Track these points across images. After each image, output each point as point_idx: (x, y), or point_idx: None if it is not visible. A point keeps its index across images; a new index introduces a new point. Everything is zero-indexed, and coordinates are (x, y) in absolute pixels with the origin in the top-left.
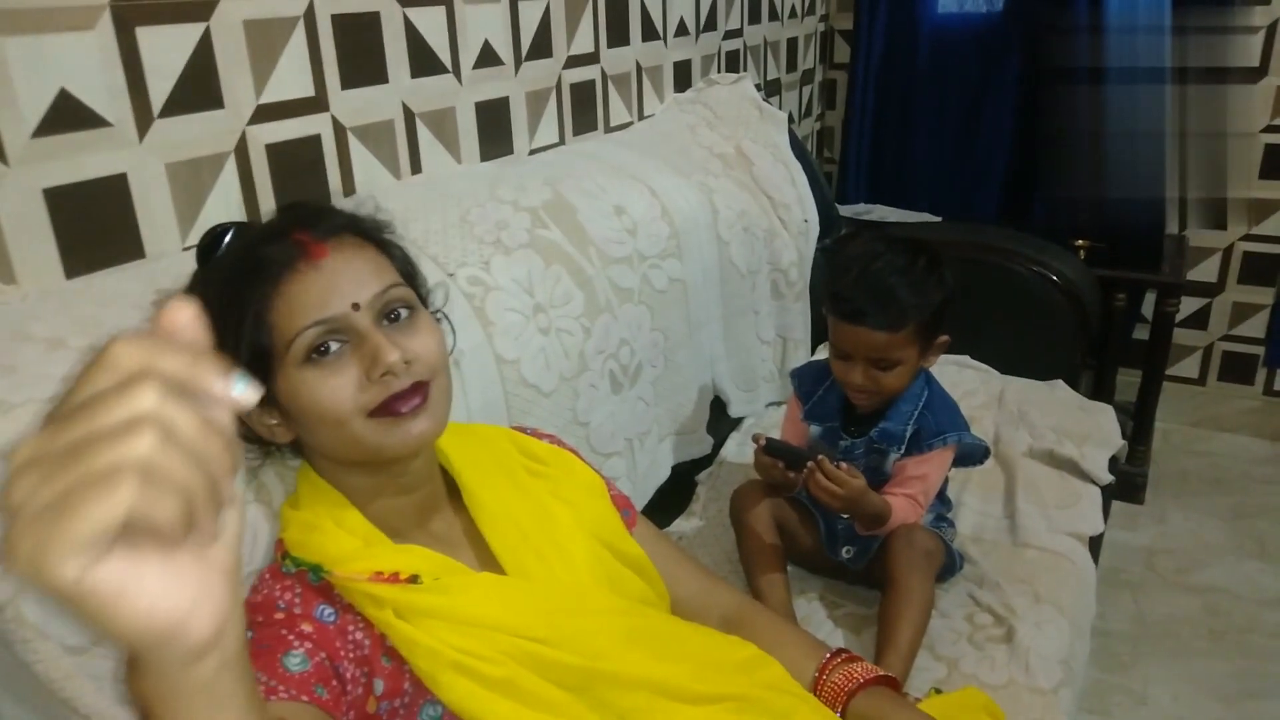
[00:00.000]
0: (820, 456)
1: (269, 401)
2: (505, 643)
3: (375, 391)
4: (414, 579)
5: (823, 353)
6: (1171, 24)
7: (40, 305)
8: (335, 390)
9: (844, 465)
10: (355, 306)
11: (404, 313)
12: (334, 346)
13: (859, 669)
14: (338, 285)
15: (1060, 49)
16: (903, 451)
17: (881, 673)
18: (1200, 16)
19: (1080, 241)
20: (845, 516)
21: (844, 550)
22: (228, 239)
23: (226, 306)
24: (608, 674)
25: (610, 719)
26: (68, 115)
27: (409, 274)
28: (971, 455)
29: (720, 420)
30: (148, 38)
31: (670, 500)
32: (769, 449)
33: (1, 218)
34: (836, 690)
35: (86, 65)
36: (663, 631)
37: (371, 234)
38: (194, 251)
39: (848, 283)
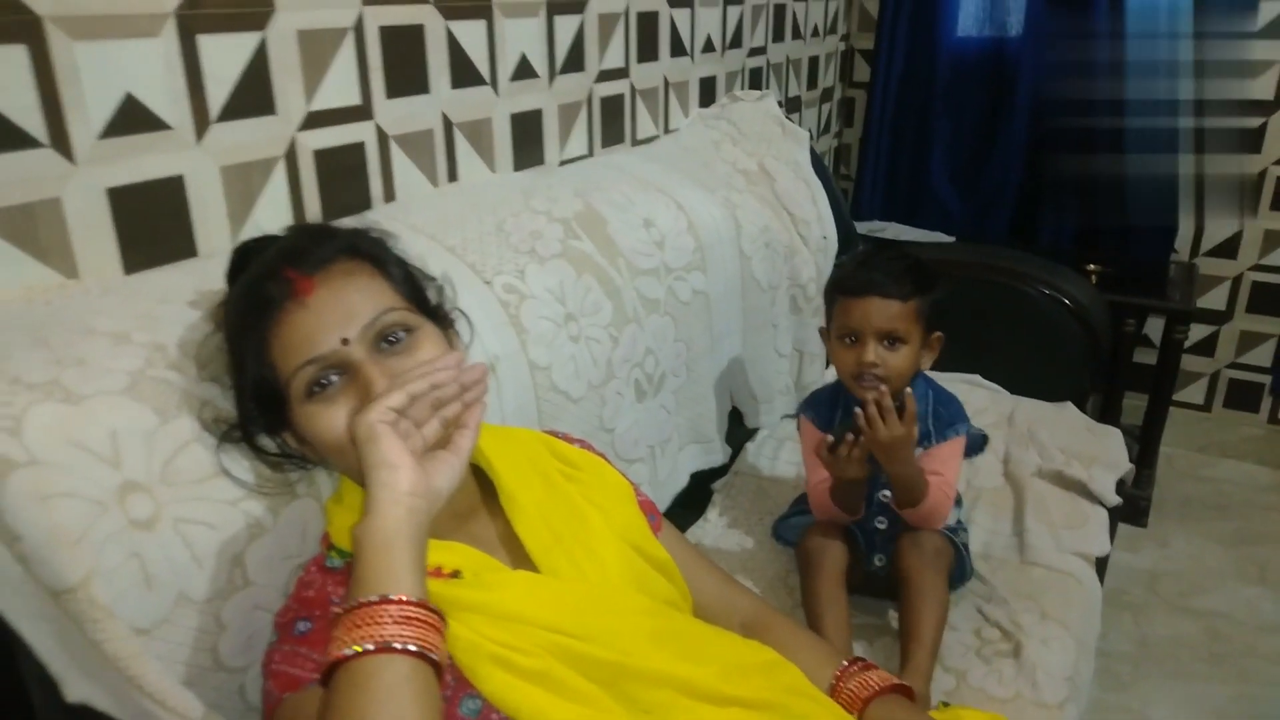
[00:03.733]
0: (871, 400)
1: (291, 428)
2: (540, 637)
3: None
4: (456, 574)
5: (830, 377)
6: (1190, 59)
7: (102, 300)
8: (333, 424)
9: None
10: (344, 341)
11: (402, 335)
12: (333, 380)
13: (875, 677)
14: (326, 321)
15: (1077, 77)
16: (926, 446)
17: (897, 681)
18: (1217, 50)
19: (1091, 266)
20: (882, 523)
21: (877, 559)
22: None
23: (236, 341)
24: (635, 670)
25: (636, 713)
26: (132, 118)
27: (413, 289)
28: (975, 445)
29: (736, 430)
30: (208, 45)
31: (687, 507)
32: (833, 446)
33: (68, 215)
34: (853, 697)
35: (151, 71)
36: (687, 633)
37: (368, 253)
38: None
39: (856, 266)
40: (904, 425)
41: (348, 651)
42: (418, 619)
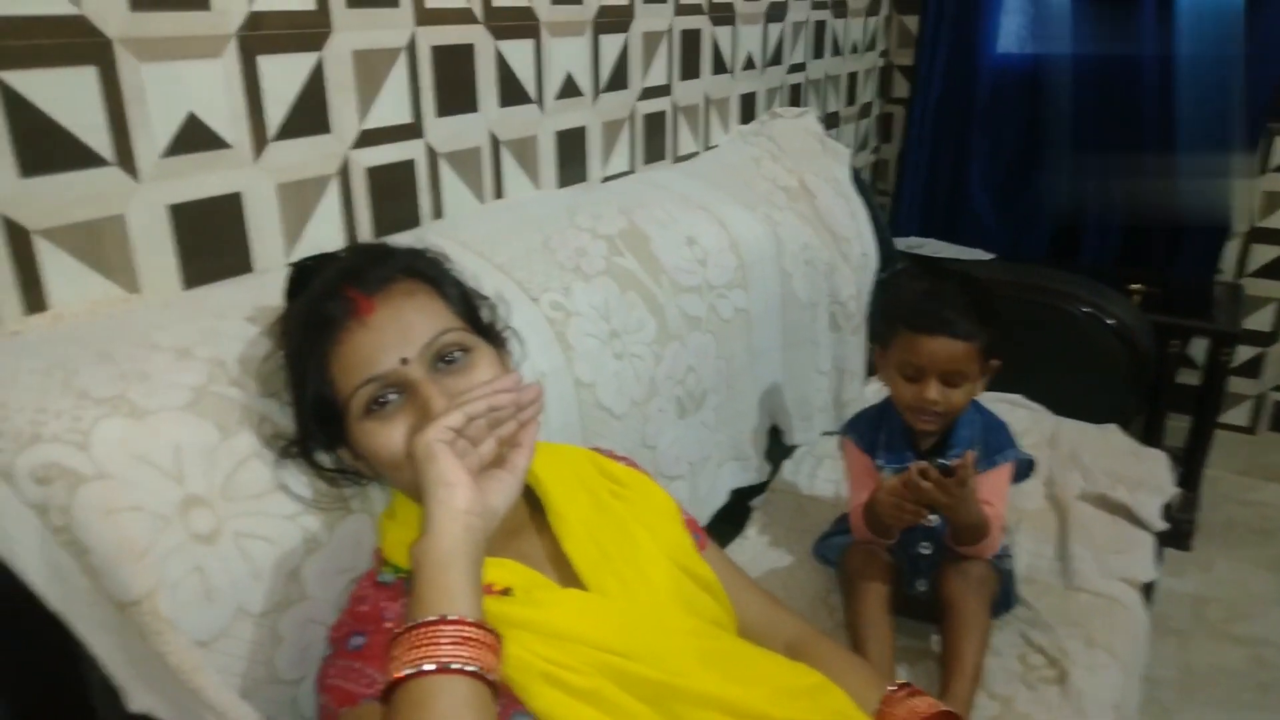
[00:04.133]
0: (923, 466)
1: (348, 444)
2: (590, 655)
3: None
4: (507, 591)
5: (870, 394)
6: (1242, 83)
7: (163, 315)
8: (391, 440)
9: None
10: (404, 361)
11: (459, 355)
12: (391, 398)
13: (923, 703)
14: (386, 341)
15: (1121, 93)
16: (977, 473)
17: (945, 708)
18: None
19: (1134, 286)
20: (926, 549)
21: (919, 584)
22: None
23: (296, 358)
24: (684, 690)
25: None
26: (194, 137)
27: (468, 307)
28: (1022, 471)
29: (774, 448)
30: (268, 65)
31: (726, 524)
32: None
33: (131, 231)
34: None
35: (213, 90)
36: (735, 654)
37: (427, 274)
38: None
39: (925, 298)
40: (963, 485)
41: (407, 671)
42: (476, 639)
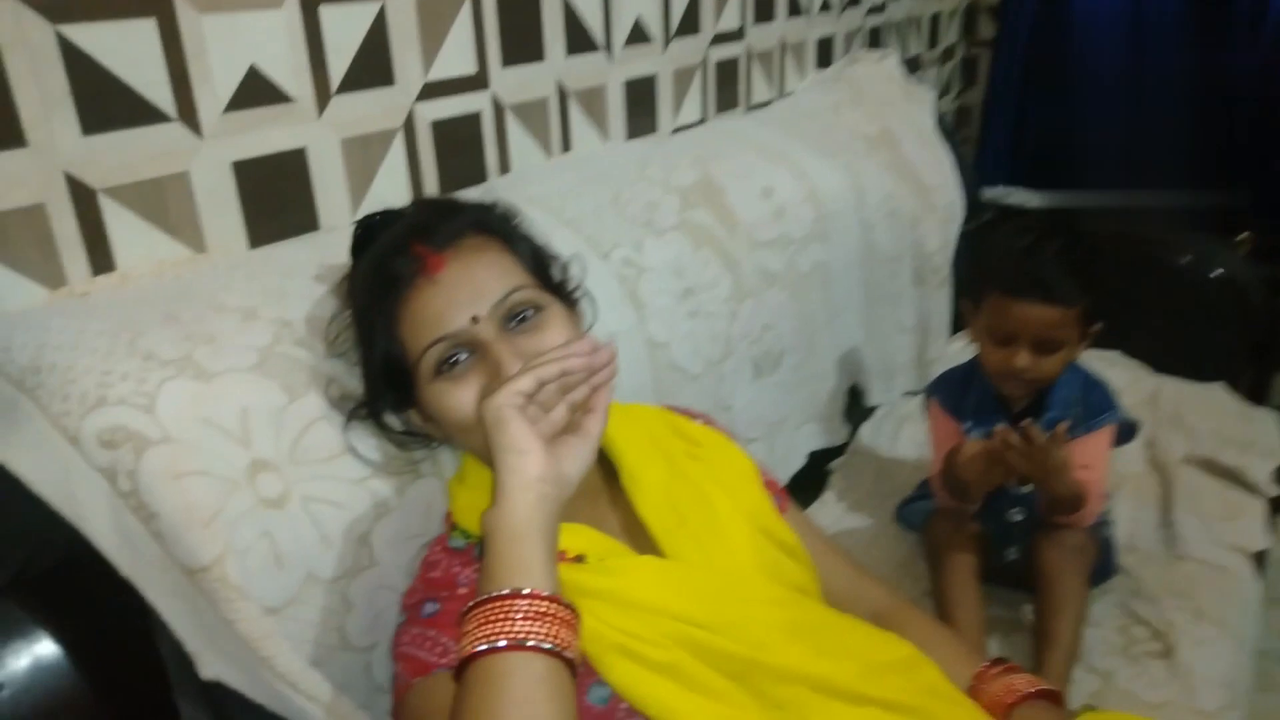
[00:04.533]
0: (1028, 422)
1: (418, 405)
2: (668, 626)
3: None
4: (580, 559)
5: (955, 352)
6: None
7: (229, 275)
8: (462, 402)
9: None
10: (475, 319)
11: (531, 313)
12: (462, 358)
13: (1020, 680)
14: (456, 299)
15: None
16: (1071, 436)
17: (1044, 685)
18: None
19: (1243, 235)
20: (1019, 515)
21: (1011, 551)
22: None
23: (364, 318)
24: (768, 665)
25: (769, 708)
26: (256, 91)
27: (540, 265)
28: (1125, 433)
29: (853, 408)
30: (330, 15)
31: (804, 488)
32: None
33: (195, 189)
34: (996, 701)
35: (275, 43)
36: (822, 625)
37: (496, 229)
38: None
39: (1020, 259)
40: (1051, 456)
41: (481, 647)
42: (551, 614)
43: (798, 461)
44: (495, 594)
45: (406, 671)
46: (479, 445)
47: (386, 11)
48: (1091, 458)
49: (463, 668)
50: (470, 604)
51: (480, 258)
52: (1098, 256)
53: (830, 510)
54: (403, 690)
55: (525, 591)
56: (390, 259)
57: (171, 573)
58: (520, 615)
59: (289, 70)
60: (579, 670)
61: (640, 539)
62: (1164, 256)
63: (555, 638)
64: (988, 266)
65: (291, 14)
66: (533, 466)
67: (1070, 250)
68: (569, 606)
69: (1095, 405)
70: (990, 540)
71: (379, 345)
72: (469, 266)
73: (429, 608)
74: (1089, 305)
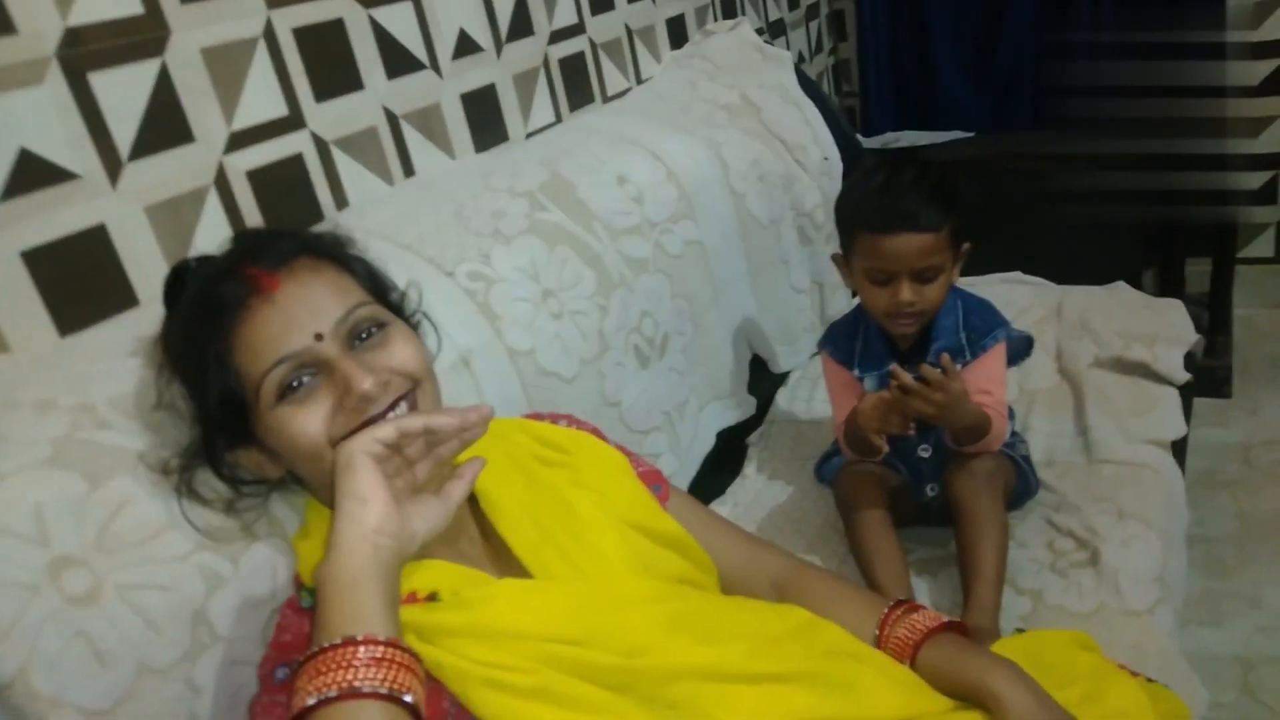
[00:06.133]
0: (924, 366)
1: (251, 441)
2: (534, 649)
3: (347, 419)
4: (432, 597)
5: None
6: None
7: (31, 370)
8: (307, 424)
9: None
10: (319, 336)
11: (374, 330)
12: (305, 379)
13: (921, 619)
14: (296, 317)
15: None
16: (965, 361)
17: (946, 619)
18: None
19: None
20: (926, 452)
21: (928, 489)
22: (187, 278)
23: (190, 354)
24: (649, 668)
25: (659, 710)
26: (32, 173)
27: (378, 288)
28: (1018, 351)
29: (763, 379)
30: (102, 82)
31: (721, 468)
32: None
33: None
34: (901, 645)
35: (42, 120)
36: (707, 612)
37: (329, 252)
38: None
39: (879, 195)
40: (943, 392)
41: (311, 701)
42: (389, 660)
43: (707, 443)
44: (329, 644)
45: None
46: (325, 477)
47: (169, 68)
48: (988, 380)
49: None
50: (303, 658)
51: (317, 278)
52: (952, 177)
53: (752, 484)
54: None
55: (360, 638)
56: (218, 285)
57: None
58: (358, 664)
59: (66, 145)
60: (451, 710)
61: (509, 560)
62: (1046, 170)
63: (394, 682)
64: (850, 212)
65: (56, 88)
66: (372, 517)
67: (924, 177)
68: (409, 651)
69: (982, 327)
70: (907, 483)
71: (212, 381)
72: (305, 285)
73: (281, 673)
74: (954, 226)
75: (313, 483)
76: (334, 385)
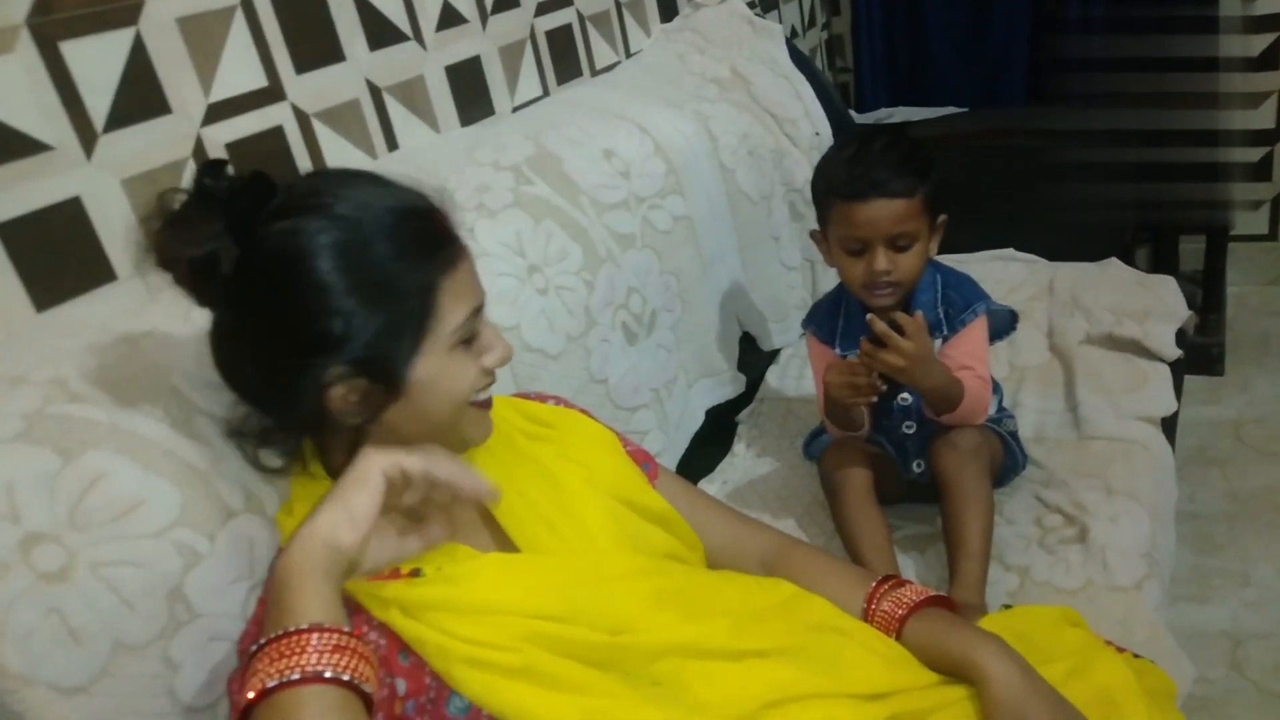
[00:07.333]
0: (870, 317)
1: (383, 377)
2: (519, 626)
3: (487, 383)
4: (416, 572)
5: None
6: None
7: (4, 346)
8: (465, 377)
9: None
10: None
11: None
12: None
13: (908, 593)
14: (475, 275)
15: None
16: (944, 335)
17: (932, 593)
18: None
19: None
20: (910, 428)
21: (915, 465)
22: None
23: (375, 278)
24: (634, 644)
25: (643, 686)
26: (4, 144)
27: None
28: (1002, 326)
29: (754, 356)
30: (74, 51)
31: (710, 445)
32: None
33: None
34: (888, 619)
35: (13, 89)
36: (690, 587)
37: None
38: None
39: (850, 165)
40: (914, 341)
41: (270, 683)
42: (349, 648)
43: (695, 421)
44: (290, 629)
45: (232, 713)
46: (440, 422)
47: (144, 37)
48: (969, 355)
49: (250, 709)
50: (256, 646)
51: None
52: (924, 147)
53: (741, 462)
54: None
55: (327, 626)
56: (421, 222)
57: None
58: (314, 650)
59: (38, 116)
60: (432, 684)
61: (498, 534)
62: (1039, 145)
63: (354, 670)
64: (823, 184)
65: (27, 56)
66: (348, 535)
67: (894, 146)
68: (367, 643)
69: (961, 301)
70: (893, 461)
71: (408, 304)
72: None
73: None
74: (928, 194)
75: (405, 429)
76: (479, 348)
